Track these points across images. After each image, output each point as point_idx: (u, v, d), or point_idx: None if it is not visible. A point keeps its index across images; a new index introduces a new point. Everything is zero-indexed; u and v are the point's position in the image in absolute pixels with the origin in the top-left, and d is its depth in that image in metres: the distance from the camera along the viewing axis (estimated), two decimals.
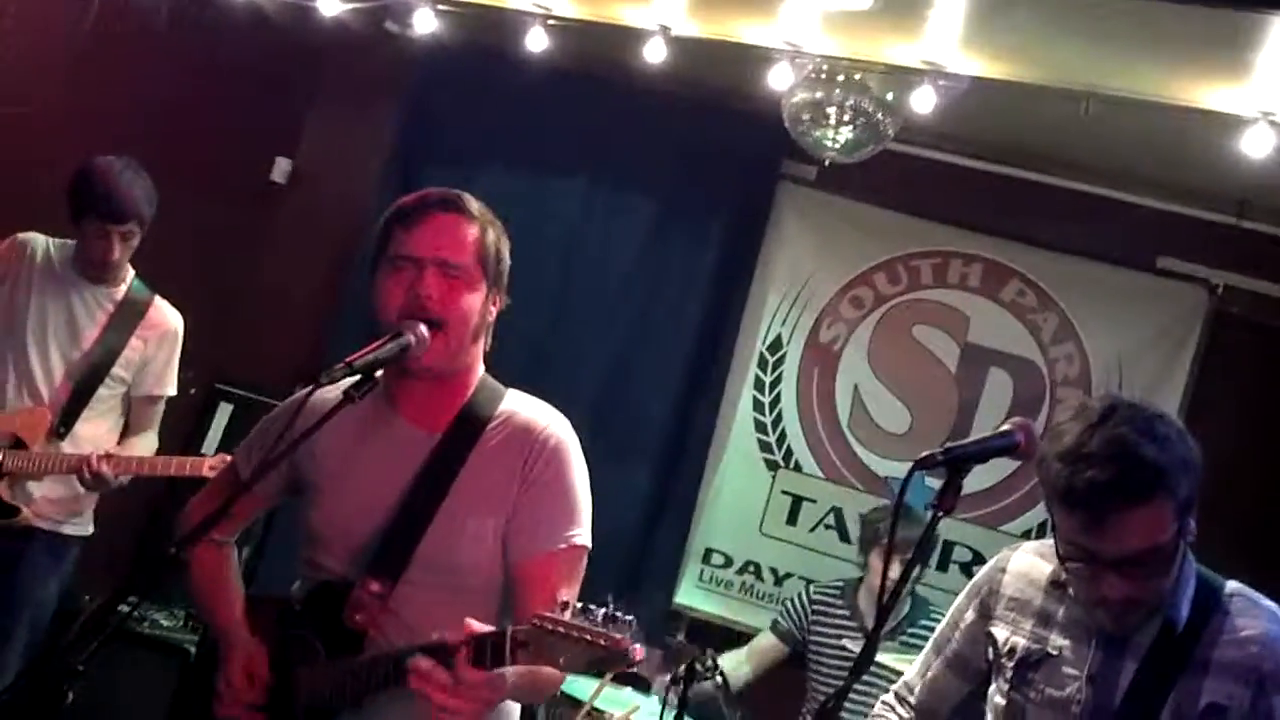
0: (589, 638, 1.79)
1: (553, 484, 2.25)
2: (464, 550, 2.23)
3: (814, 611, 4.56)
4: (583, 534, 2.26)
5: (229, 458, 3.61)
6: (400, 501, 2.25)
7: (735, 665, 4.55)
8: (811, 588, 4.69)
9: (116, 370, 3.79)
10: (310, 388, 2.16)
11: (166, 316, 3.92)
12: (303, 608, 2.32)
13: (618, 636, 1.79)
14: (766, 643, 4.67)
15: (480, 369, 2.38)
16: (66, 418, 3.71)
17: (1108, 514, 1.98)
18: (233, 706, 2.30)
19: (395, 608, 2.23)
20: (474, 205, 2.33)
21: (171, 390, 3.96)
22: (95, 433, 3.77)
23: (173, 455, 3.83)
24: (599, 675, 3.02)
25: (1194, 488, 2.04)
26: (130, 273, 3.88)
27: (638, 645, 1.83)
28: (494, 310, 2.34)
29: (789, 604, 4.69)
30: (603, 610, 1.82)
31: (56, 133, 4.80)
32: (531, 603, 2.07)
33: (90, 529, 3.90)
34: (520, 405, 2.35)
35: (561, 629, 1.81)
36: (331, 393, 2.17)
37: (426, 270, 2.22)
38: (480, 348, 2.36)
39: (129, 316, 3.82)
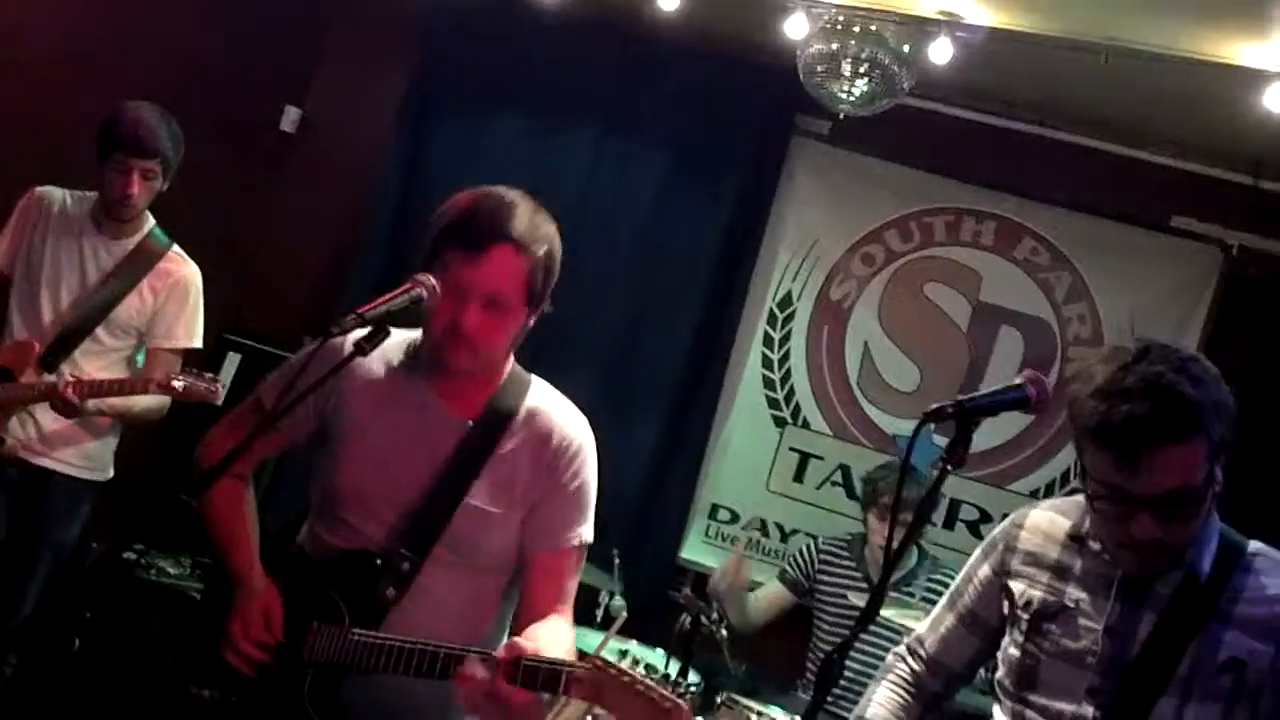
0: (653, 695, 1.92)
1: (573, 488, 2.39)
2: (491, 535, 2.35)
3: (821, 563, 4.59)
4: (590, 530, 2.43)
5: (215, 382, 3.65)
6: (432, 482, 2.32)
7: (740, 612, 4.57)
8: (820, 540, 4.72)
9: (120, 316, 3.74)
10: (331, 336, 2.16)
11: (179, 266, 3.86)
12: (329, 568, 2.34)
13: (679, 700, 1.91)
14: (773, 591, 4.71)
15: (511, 361, 2.45)
16: (55, 352, 3.66)
17: (1143, 451, 1.96)
18: (244, 646, 2.32)
19: (421, 585, 2.31)
20: (529, 225, 2.29)
21: (186, 343, 3.89)
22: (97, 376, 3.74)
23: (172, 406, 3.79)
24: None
25: (1228, 431, 2.01)
26: (149, 223, 3.85)
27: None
28: (533, 322, 2.38)
29: (798, 554, 4.72)
30: (660, 674, 1.92)
31: (61, 82, 4.77)
32: (539, 591, 2.35)
33: (108, 474, 3.90)
34: (545, 402, 2.43)
35: (625, 678, 1.95)
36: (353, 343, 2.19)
37: (471, 303, 2.24)
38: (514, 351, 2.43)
39: (140, 264, 3.78)
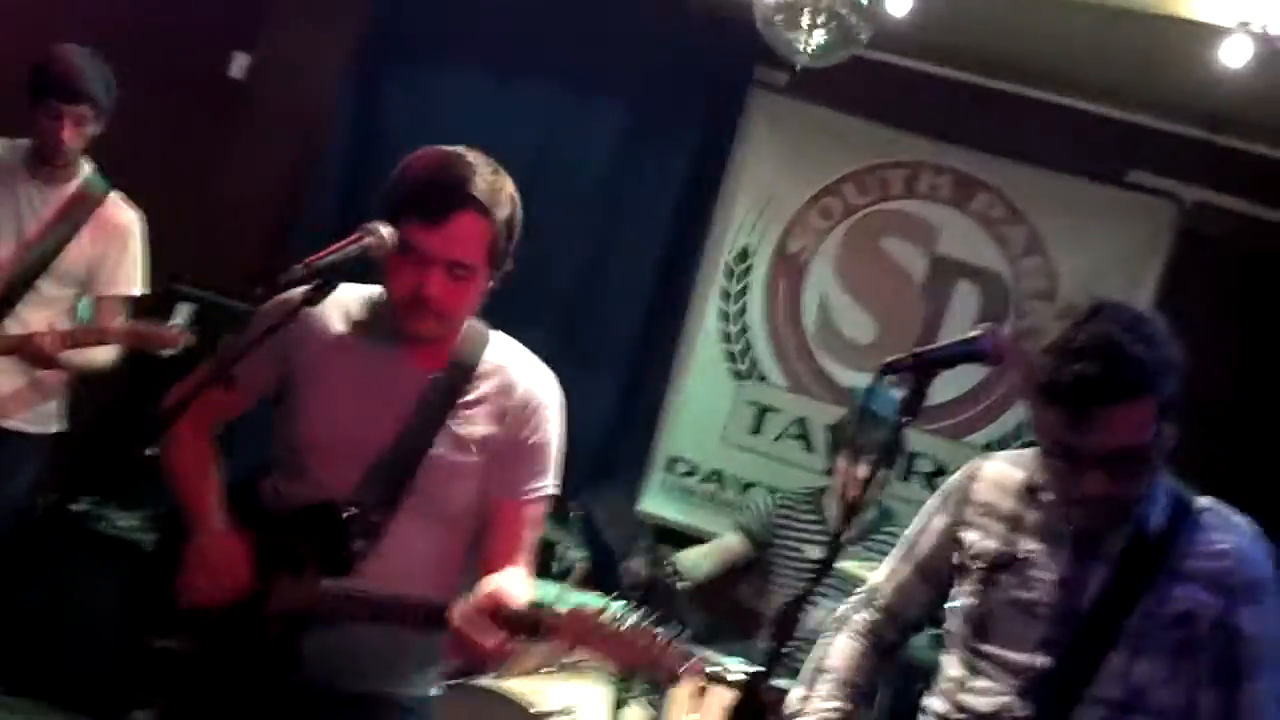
0: (636, 639, 1.98)
1: (534, 441, 2.38)
2: (456, 485, 2.34)
3: (779, 516, 4.56)
4: (553, 484, 2.43)
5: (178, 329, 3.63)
6: (396, 434, 2.31)
7: (695, 561, 4.58)
8: (778, 494, 4.69)
9: (62, 266, 3.69)
10: (273, 289, 2.15)
11: (119, 212, 3.81)
12: (295, 520, 2.32)
13: (663, 640, 1.97)
14: (728, 541, 4.70)
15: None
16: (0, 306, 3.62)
17: (1093, 409, 1.98)
18: (203, 586, 2.28)
19: (388, 538, 2.29)
20: (490, 187, 2.26)
21: (130, 289, 3.85)
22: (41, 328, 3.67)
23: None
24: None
25: (1177, 388, 2.03)
26: (86, 168, 3.79)
27: (694, 659, 2.01)
28: (494, 282, 2.36)
29: (753, 506, 4.71)
30: (646, 620, 2.00)
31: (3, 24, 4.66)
32: (498, 541, 2.34)
33: (56, 426, 3.85)
34: (507, 356, 2.42)
35: (609, 626, 1.99)
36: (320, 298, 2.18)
37: (434, 269, 2.22)
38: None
39: (79, 211, 3.72)
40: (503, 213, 2.27)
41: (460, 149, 2.32)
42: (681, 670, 2.00)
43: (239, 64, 5.63)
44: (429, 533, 2.33)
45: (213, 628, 2.30)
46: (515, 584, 2.27)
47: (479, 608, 2.10)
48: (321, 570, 2.26)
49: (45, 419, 3.81)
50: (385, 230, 2.16)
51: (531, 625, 2.06)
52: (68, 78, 3.57)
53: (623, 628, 2.00)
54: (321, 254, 2.10)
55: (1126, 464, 2.03)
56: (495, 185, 2.27)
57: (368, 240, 2.15)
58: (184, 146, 5.32)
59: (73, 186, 3.74)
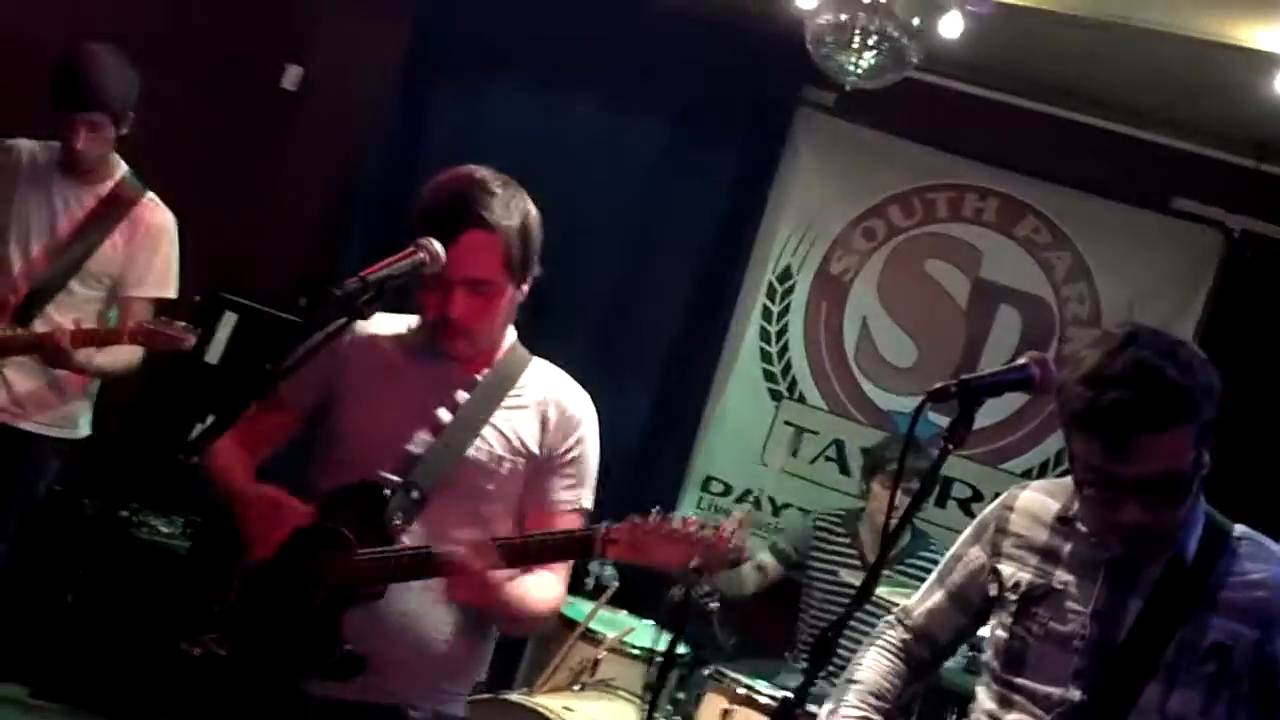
0: (695, 537, 2.13)
1: (574, 457, 2.45)
2: (495, 482, 2.39)
3: (815, 538, 4.57)
4: (590, 498, 2.49)
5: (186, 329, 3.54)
6: (440, 426, 2.37)
7: (736, 581, 4.55)
8: (813, 515, 4.69)
9: (94, 266, 3.65)
10: (323, 301, 2.14)
11: (153, 213, 3.75)
12: (335, 498, 2.34)
13: (721, 536, 2.14)
14: (761, 560, 4.68)
15: (512, 333, 2.50)
16: (29, 305, 3.58)
17: (1130, 437, 1.96)
18: (268, 533, 2.29)
19: (427, 517, 2.33)
20: (503, 204, 2.33)
21: (158, 292, 3.77)
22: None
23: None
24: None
25: (1214, 415, 2.01)
26: (121, 170, 3.76)
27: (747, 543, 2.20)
28: (525, 290, 2.44)
29: (790, 528, 4.73)
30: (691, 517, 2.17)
31: (59, 34, 4.71)
32: None
33: (82, 432, 3.82)
34: (549, 376, 2.50)
35: (664, 530, 2.15)
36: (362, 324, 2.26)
37: (455, 290, 2.29)
38: (512, 320, 2.48)
39: (112, 212, 3.68)
40: (512, 223, 2.33)
41: (470, 168, 2.39)
42: (734, 553, 2.18)
43: (292, 76, 5.69)
44: (464, 525, 2.35)
45: (250, 616, 2.31)
46: (541, 580, 2.34)
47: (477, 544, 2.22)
48: (362, 543, 2.28)
49: (67, 422, 3.76)
50: (437, 246, 2.21)
51: (588, 542, 2.20)
52: (78, 84, 3.52)
53: (674, 526, 2.16)
54: (375, 267, 2.13)
55: (1164, 492, 2.01)
56: (503, 198, 2.34)
57: (420, 255, 2.20)
58: (235, 156, 5.38)
59: (107, 187, 3.72)
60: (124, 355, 3.64)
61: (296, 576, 2.30)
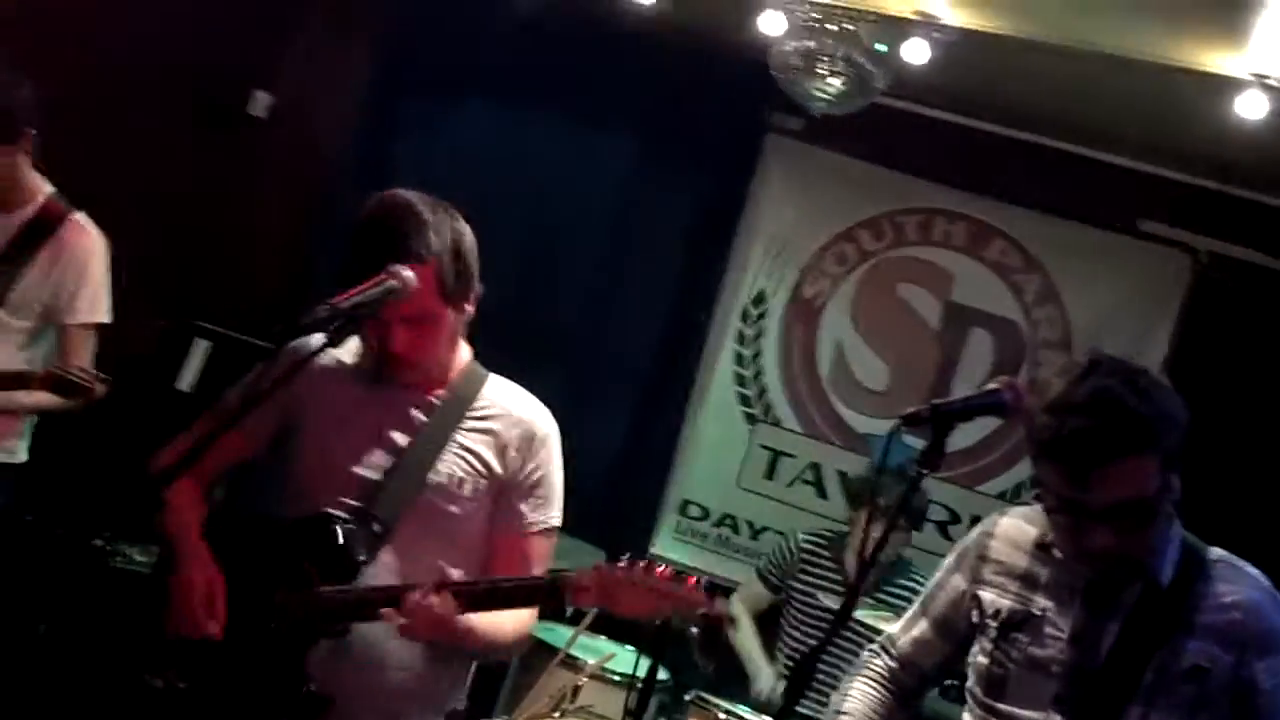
0: (665, 590, 2.08)
1: (539, 476, 2.42)
2: (458, 507, 2.35)
3: (801, 559, 4.49)
4: (558, 515, 2.46)
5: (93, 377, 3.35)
6: (399, 452, 2.34)
7: (737, 615, 4.54)
8: (800, 535, 4.59)
9: (20, 295, 3.47)
10: (295, 328, 2.13)
11: (79, 236, 3.54)
12: (294, 533, 2.32)
13: (695, 593, 2.08)
14: (756, 590, 4.62)
15: (466, 352, 2.46)
16: None
17: (1092, 465, 1.98)
18: (189, 627, 2.27)
19: (391, 550, 2.31)
20: (429, 232, 2.27)
21: (92, 318, 3.56)
22: (3, 362, 3.47)
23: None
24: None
25: (1179, 441, 2.03)
26: (44, 192, 3.58)
27: (717, 599, 2.18)
28: (469, 310, 2.37)
29: (779, 550, 4.60)
30: (665, 566, 2.12)
31: (21, 61, 4.69)
32: (503, 574, 2.34)
33: (19, 456, 3.67)
34: (507, 394, 2.46)
35: (634, 579, 2.09)
36: (319, 339, 2.18)
37: (393, 326, 2.25)
38: (460, 336, 2.43)
39: (35, 238, 3.50)
40: (440, 247, 2.27)
41: (395, 195, 2.34)
42: (705, 608, 2.13)
43: (260, 103, 5.68)
44: (429, 552, 2.33)
45: (213, 654, 2.28)
46: (505, 613, 2.30)
47: (434, 587, 2.17)
48: (324, 578, 2.25)
49: (3, 448, 3.60)
50: (407, 273, 2.18)
51: (556, 589, 2.15)
52: None
53: (645, 576, 2.10)
54: (346, 295, 2.11)
55: (1130, 518, 2.03)
56: (432, 225, 2.28)
57: (392, 282, 2.16)
58: (204, 183, 5.35)
59: (29, 212, 3.52)
60: (44, 398, 3.44)
61: (257, 614, 2.28)
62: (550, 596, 2.18)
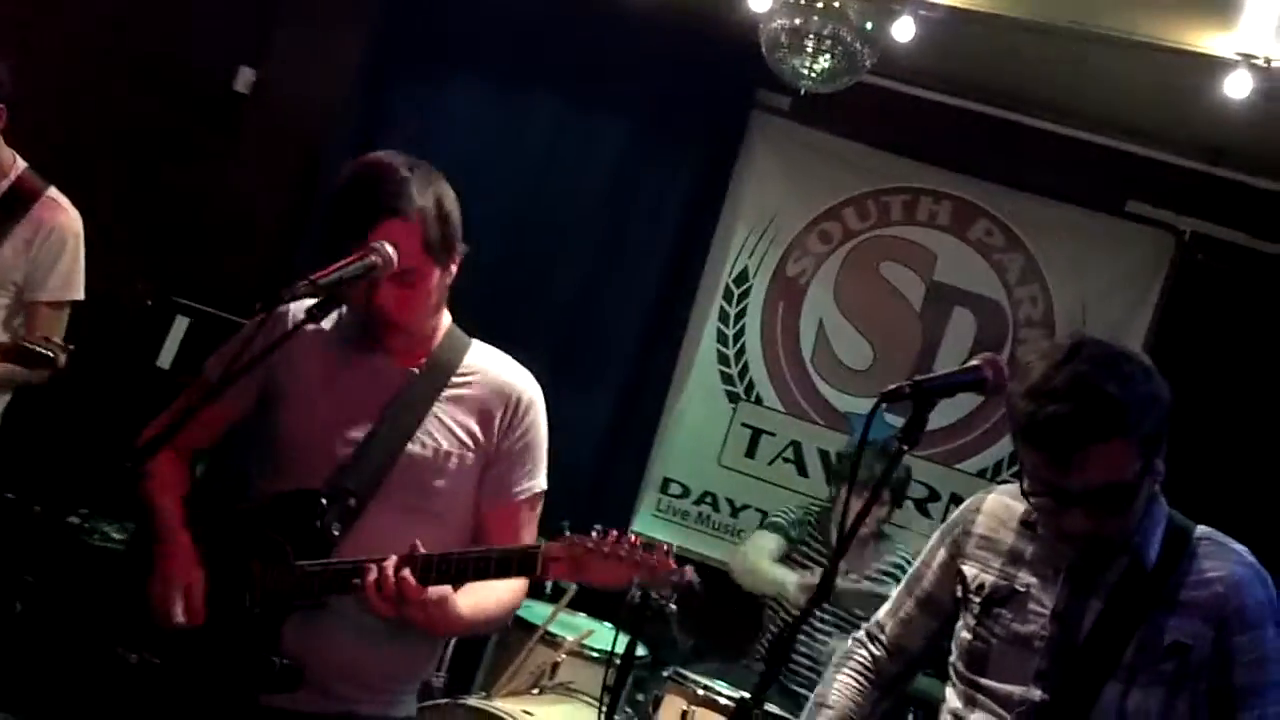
0: (635, 558, 2.08)
1: (526, 442, 2.40)
2: (439, 479, 2.33)
3: (815, 526, 4.46)
4: (543, 480, 2.45)
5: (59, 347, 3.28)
6: (374, 429, 2.31)
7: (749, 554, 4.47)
8: (806, 504, 4.58)
9: None
10: (276, 305, 2.12)
11: (54, 213, 3.53)
12: (271, 509, 2.31)
13: (665, 559, 2.10)
14: (767, 543, 4.50)
15: (446, 318, 2.43)
16: None
17: (1069, 450, 1.99)
18: (166, 619, 2.27)
19: (368, 523, 2.29)
20: (412, 187, 2.26)
21: (64, 296, 3.55)
22: None
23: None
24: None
25: (1160, 426, 2.03)
26: (17, 168, 3.56)
27: (687, 567, 2.16)
28: (454, 270, 2.36)
29: (793, 510, 4.55)
30: (635, 535, 2.12)
31: (6, 36, 4.66)
32: (497, 544, 2.29)
33: None
34: (490, 359, 2.43)
35: (606, 549, 2.09)
36: (303, 307, 2.16)
37: (380, 284, 2.23)
38: (444, 299, 2.40)
39: (9, 212, 3.49)
40: (427, 204, 2.26)
41: (376, 155, 2.33)
42: (675, 577, 2.14)
43: (244, 78, 5.64)
44: (413, 525, 2.29)
45: (188, 632, 2.27)
46: (491, 584, 2.28)
47: (394, 562, 2.14)
48: (299, 553, 2.24)
49: None
50: (389, 249, 2.17)
51: (529, 559, 2.14)
52: None
53: (615, 546, 2.11)
54: (326, 271, 2.10)
55: (1106, 502, 2.03)
56: (413, 181, 2.26)
57: (372, 258, 2.15)
58: (186, 159, 5.32)
59: (4, 185, 3.50)
60: (5, 369, 3.37)
61: (232, 588, 2.27)
62: (523, 568, 2.16)
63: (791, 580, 4.24)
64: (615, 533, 2.12)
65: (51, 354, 3.27)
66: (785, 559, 4.43)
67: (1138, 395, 2.00)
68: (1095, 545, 2.10)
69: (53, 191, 3.56)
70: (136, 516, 2.46)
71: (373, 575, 2.13)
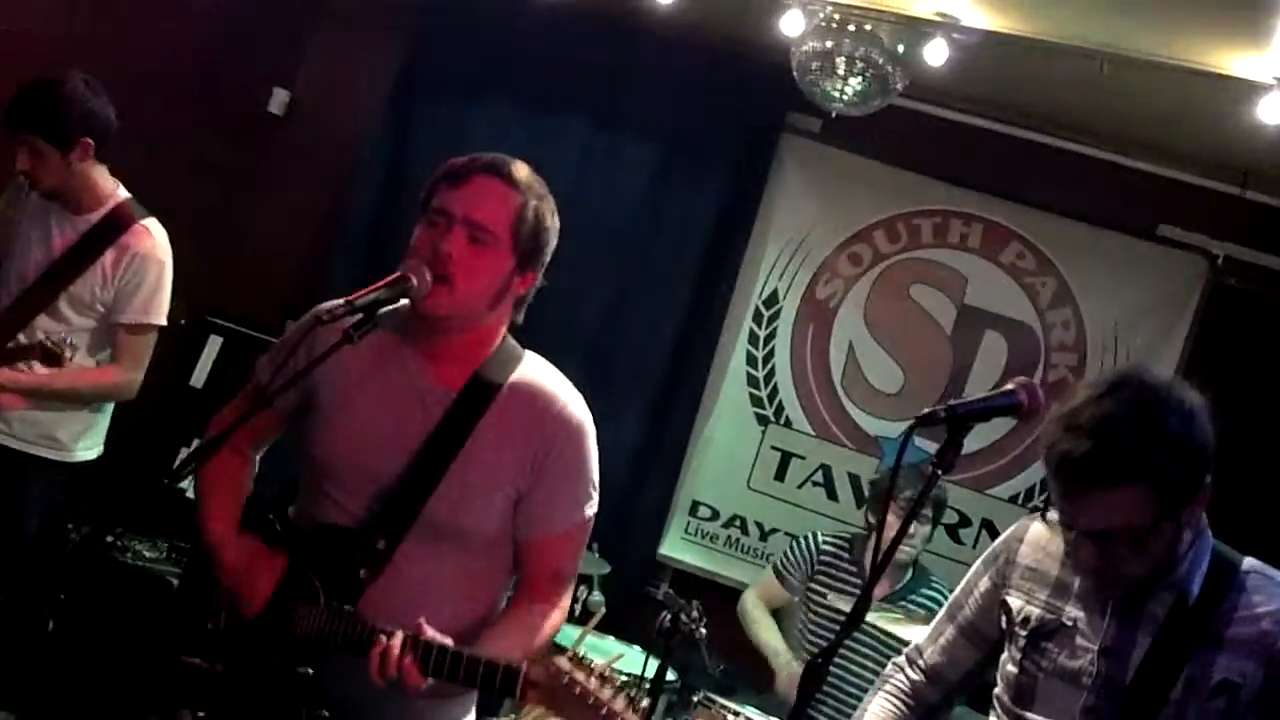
0: (603, 710, 1.95)
1: (571, 468, 2.31)
2: (472, 516, 2.26)
3: (821, 561, 4.44)
4: (593, 504, 2.36)
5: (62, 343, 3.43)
6: (412, 457, 2.25)
7: (750, 610, 4.54)
8: (820, 536, 4.54)
9: (79, 290, 3.62)
10: (322, 323, 2.12)
11: (141, 239, 3.68)
12: (307, 543, 2.30)
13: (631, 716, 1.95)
14: (771, 587, 4.57)
15: (502, 332, 2.36)
16: (5, 328, 3.56)
17: (1077, 488, 1.99)
18: (255, 598, 2.28)
19: (398, 563, 2.25)
20: (523, 174, 2.30)
21: (144, 319, 3.71)
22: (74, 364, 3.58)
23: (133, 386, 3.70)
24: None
25: (1192, 476, 2.00)
26: (117, 197, 3.73)
27: None
28: (522, 285, 2.33)
29: (795, 548, 4.54)
30: (622, 678, 1.99)
31: (49, 57, 4.71)
32: (534, 575, 2.32)
33: (76, 455, 3.78)
34: (537, 373, 2.35)
35: (578, 690, 1.96)
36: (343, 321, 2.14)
37: (455, 228, 2.21)
38: (503, 315, 2.35)
39: (101, 238, 3.65)
40: (530, 195, 2.27)
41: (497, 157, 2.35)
42: None
43: (278, 100, 5.70)
44: (445, 564, 2.26)
45: (240, 652, 2.28)
46: (521, 628, 2.27)
47: (400, 643, 2.08)
48: (330, 593, 2.23)
49: (59, 446, 3.73)
50: (426, 273, 2.16)
51: (509, 680, 2.04)
52: (21, 105, 3.49)
53: (589, 688, 1.98)
54: (363, 292, 2.10)
55: (1115, 543, 2.01)
56: (530, 178, 2.29)
57: (409, 278, 2.15)
58: (222, 179, 5.37)
59: (99, 214, 3.68)
60: (65, 381, 3.59)
61: (270, 626, 2.27)
62: (504, 687, 2.06)
63: (783, 661, 4.29)
64: (600, 666, 2.01)
65: (59, 350, 3.44)
66: (787, 607, 4.48)
67: (1164, 444, 1.96)
68: (1104, 578, 2.08)
69: (147, 221, 3.73)
70: (184, 534, 2.49)
71: (378, 651, 2.07)
